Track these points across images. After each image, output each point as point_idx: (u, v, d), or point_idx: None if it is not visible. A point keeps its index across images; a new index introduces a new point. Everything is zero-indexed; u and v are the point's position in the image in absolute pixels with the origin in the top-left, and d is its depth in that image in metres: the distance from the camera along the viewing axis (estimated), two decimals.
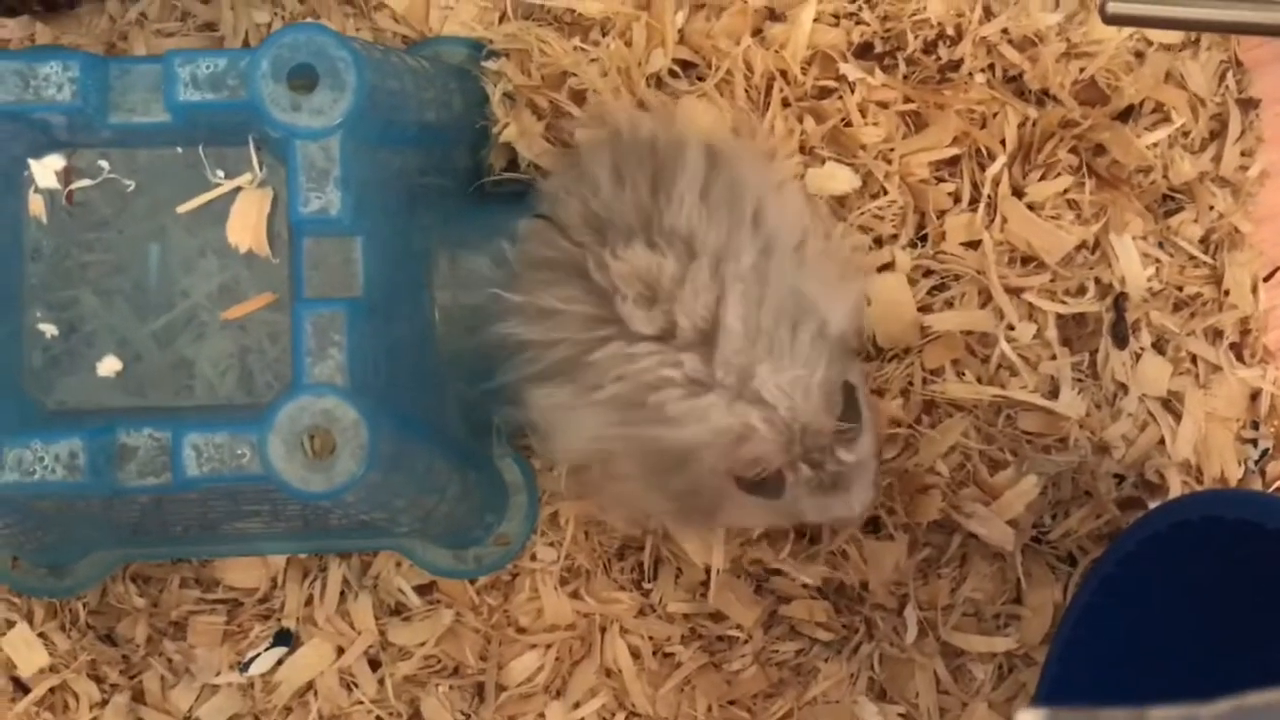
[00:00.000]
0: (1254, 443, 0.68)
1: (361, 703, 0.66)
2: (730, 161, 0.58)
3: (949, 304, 0.67)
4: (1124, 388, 0.67)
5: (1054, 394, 0.66)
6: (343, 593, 0.67)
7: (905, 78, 0.67)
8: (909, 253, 0.67)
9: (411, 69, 0.59)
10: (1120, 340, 0.67)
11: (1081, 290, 0.67)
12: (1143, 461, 0.67)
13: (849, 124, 0.66)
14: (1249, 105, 0.69)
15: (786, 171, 0.65)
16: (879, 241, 0.67)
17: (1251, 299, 0.68)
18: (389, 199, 0.57)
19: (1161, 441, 0.67)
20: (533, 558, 0.67)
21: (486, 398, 0.61)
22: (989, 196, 0.67)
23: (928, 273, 0.67)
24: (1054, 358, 0.67)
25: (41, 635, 0.66)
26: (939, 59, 0.67)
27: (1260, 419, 0.68)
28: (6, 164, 0.56)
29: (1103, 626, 0.61)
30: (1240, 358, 0.68)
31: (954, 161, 0.67)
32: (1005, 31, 0.67)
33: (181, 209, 0.56)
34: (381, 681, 0.67)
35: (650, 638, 0.67)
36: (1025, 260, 0.67)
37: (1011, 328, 0.66)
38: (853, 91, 0.66)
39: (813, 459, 0.54)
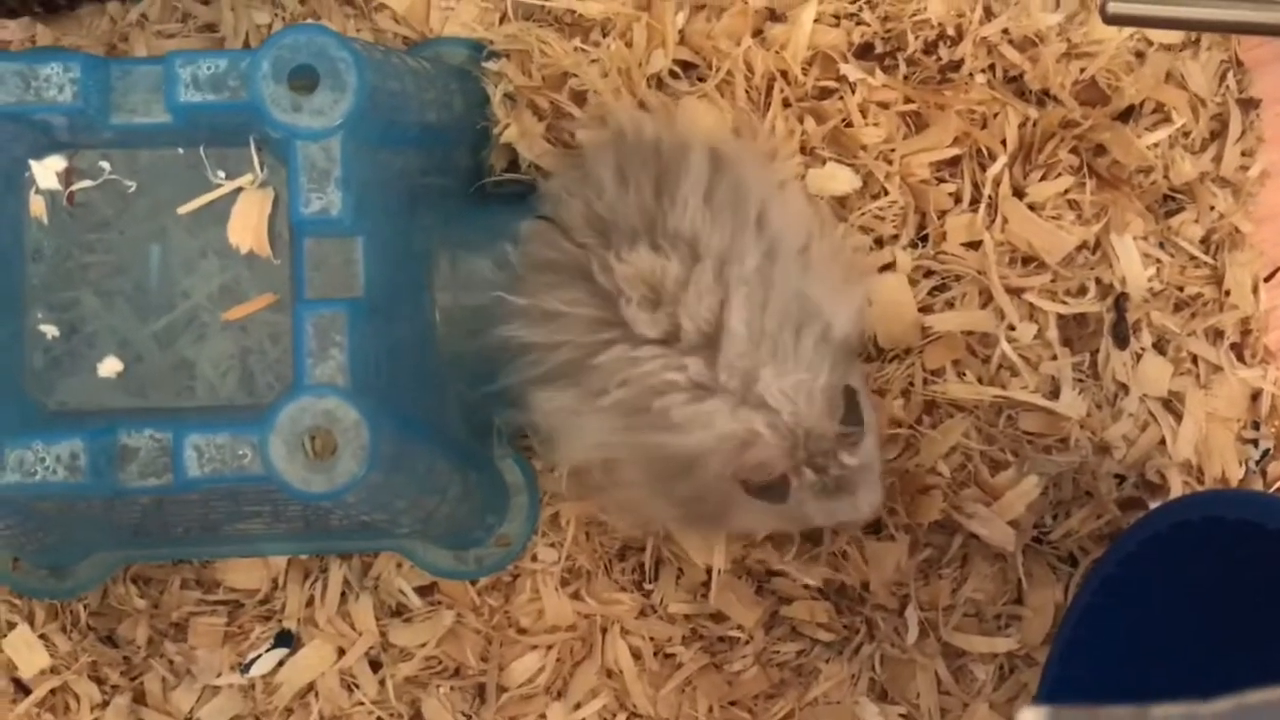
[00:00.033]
0: (1255, 443, 0.68)
1: (362, 704, 0.66)
2: (734, 164, 0.58)
3: (950, 304, 0.67)
4: (1125, 388, 0.67)
5: (1055, 394, 0.66)
6: (344, 594, 0.67)
7: (906, 78, 0.67)
8: (910, 253, 0.67)
9: (412, 70, 0.59)
10: (1121, 340, 0.67)
11: (1082, 290, 0.67)
12: (1144, 462, 0.67)
13: (850, 124, 0.66)
14: (1249, 105, 0.69)
15: (788, 172, 0.65)
16: (880, 242, 0.67)
17: (1252, 299, 0.68)
18: (390, 200, 0.57)
19: (1162, 442, 0.67)
20: (534, 559, 0.67)
21: (488, 399, 0.61)
22: (990, 197, 0.67)
23: (928, 273, 0.67)
24: (1055, 358, 0.67)
25: (42, 636, 0.66)
26: (939, 59, 0.67)
27: (1261, 419, 0.68)
28: (8, 165, 0.56)
29: (1104, 627, 0.61)
30: (1241, 358, 0.68)
31: (955, 162, 0.67)
32: (1006, 32, 0.67)
33: (182, 210, 0.56)
34: (382, 682, 0.67)
35: (651, 638, 0.67)
36: (1026, 260, 0.67)
37: (1012, 328, 0.66)
38: (853, 92, 0.66)
39: (817, 464, 0.55)
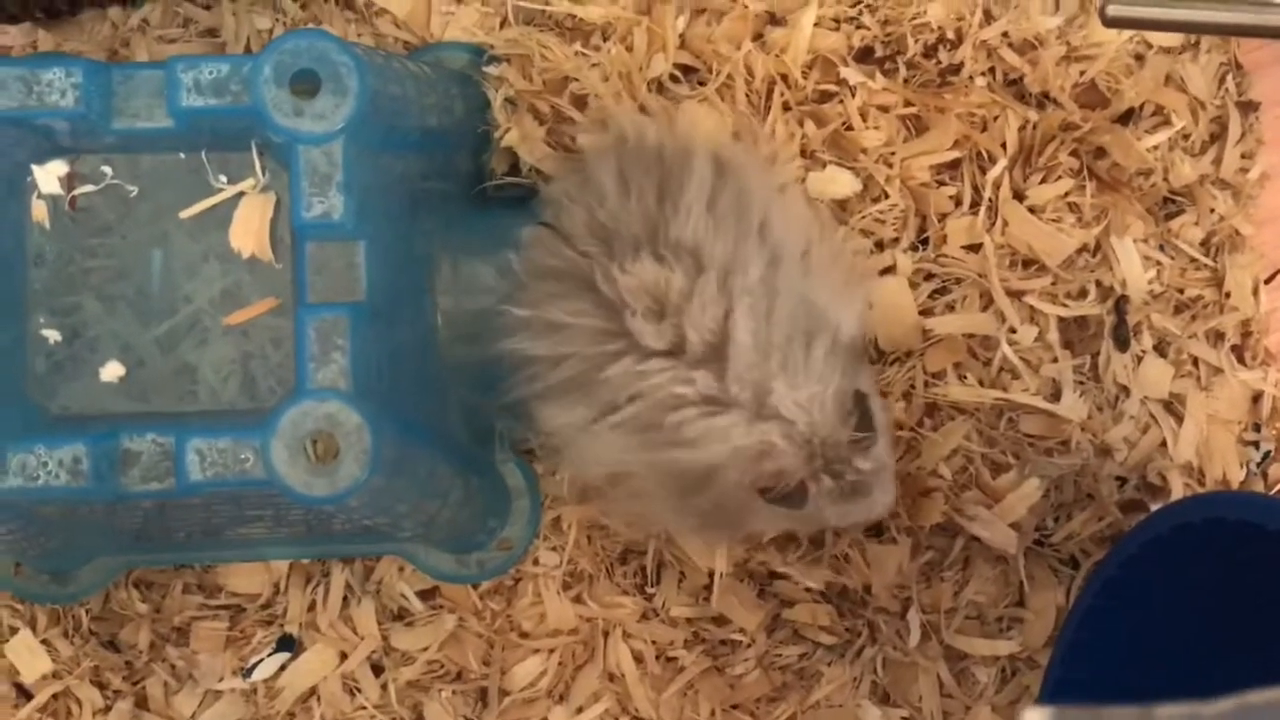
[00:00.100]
0: (1255, 445, 0.68)
1: (364, 708, 0.66)
2: (736, 170, 0.58)
3: (950, 307, 0.67)
4: (1125, 390, 0.67)
5: (1056, 397, 0.66)
6: (345, 598, 0.67)
7: (906, 81, 0.67)
8: (910, 256, 0.67)
9: (413, 74, 0.59)
10: (1122, 343, 0.67)
11: (1083, 293, 0.67)
12: (1144, 464, 0.67)
13: (850, 128, 0.66)
14: (1249, 108, 0.69)
15: (788, 176, 0.65)
16: (880, 245, 0.67)
17: (1253, 301, 0.68)
18: (391, 204, 0.57)
19: (1163, 444, 0.67)
20: (535, 562, 0.67)
21: (490, 404, 0.61)
22: (990, 200, 0.67)
23: (929, 276, 0.67)
24: (1055, 360, 0.67)
25: (44, 642, 0.66)
26: (939, 63, 0.67)
27: (1262, 421, 0.68)
28: (10, 170, 0.56)
29: (1105, 629, 0.61)
30: (1242, 360, 0.68)
31: (955, 165, 0.67)
32: (1005, 35, 0.67)
33: (184, 214, 0.56)
34: (384, 687, 0.67)
35: (653, 642, 0.67)
36: (1026, 263, 0.67)
37: (1013, 331, 0.66)
38: (853, 95, 0.66)
39: (834, 470, 0.55)
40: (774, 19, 0.67)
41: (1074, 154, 0.67)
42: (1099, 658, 0.61)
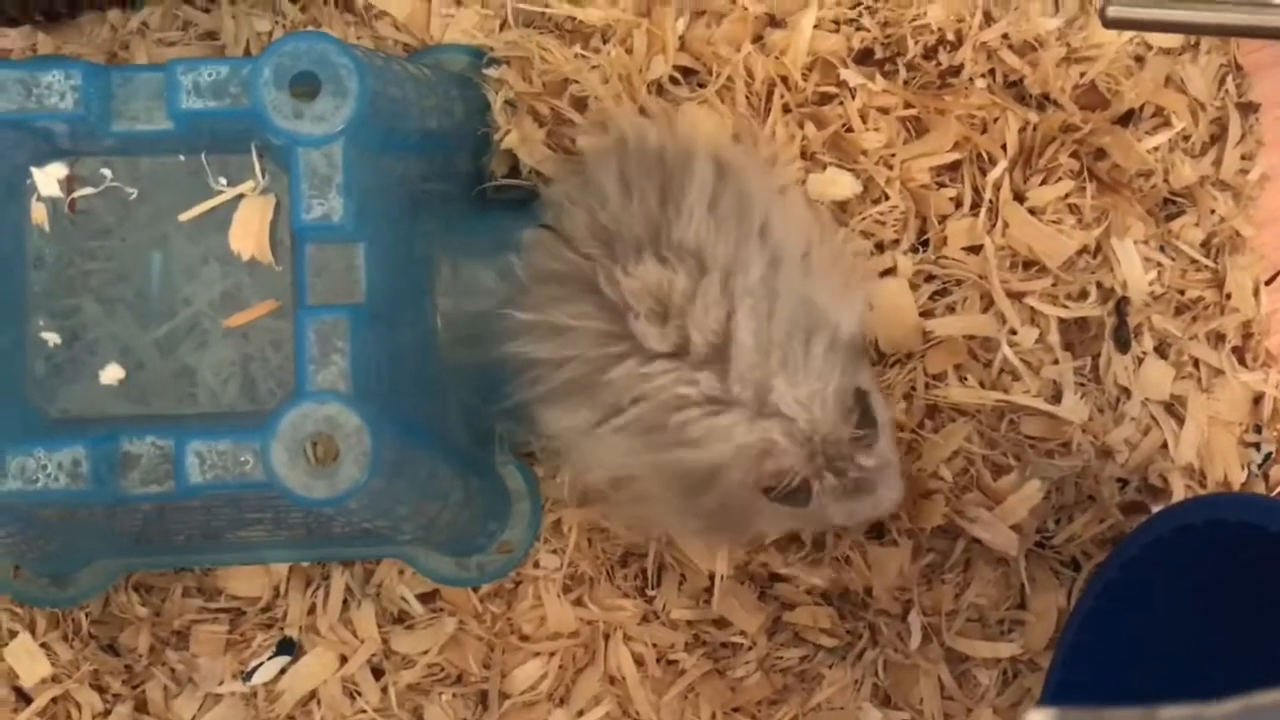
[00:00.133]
0: (1257, 446, 0.68)
1: (365, 711, 0.66)
2: (737, 172, 0.58)
3: (951, 309, 0.67)
4: (1126, 392, 0.67)
5: (1056, 398, 0.66)
6: (345, 601, 0.67)
7: (906, 83, 0.67)
8: (910, 258, 0.67)
9: (413, 76, 0.59)
10: (1122, 344, 0.67)
11: (1083, 294, 0.67)
12: (1146, 466, 0.67)
13: (850, 130, 0.66)
14: (1249, 109, 0.69)
15: (788, 178, 0.65)
16: (880, 247, 0.67)
17: (1253, 302, 0.68)
18: (391, 205, 0.57)
19: (1164, 445, 0.67)
20: (536, 565, 0.67)
21: (490, 407, 0.61)
22: (990, 201, 0.67)
23: (929, 278, 0.67)
24: (1056, 362, 0.67)
25: (44, 645, 0.66)
26: (939, 64, 0.67)
27: (1263, 423, 0.68)
28: (9, 172, 0.56)
29: (1107, 631, 0.61)
30: (1242, 361, 0.68)
31: (955, 166, 0.67)
32: (1005, 36, 0.67)
33: (184, 217, 0.56)
34: (385, 690, 0.66)
35: (654, 645, 0.67)
36: (1027, 265, 0.67)
37: (1014, 332, 0.66)
38: (853, 97, 0.66)
39: (836, 467, 0.55)
40: (774, 21, 0.67)
41: (1074, 155, 0.67)
42: (1100, 660, 0.61)
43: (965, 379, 0.66)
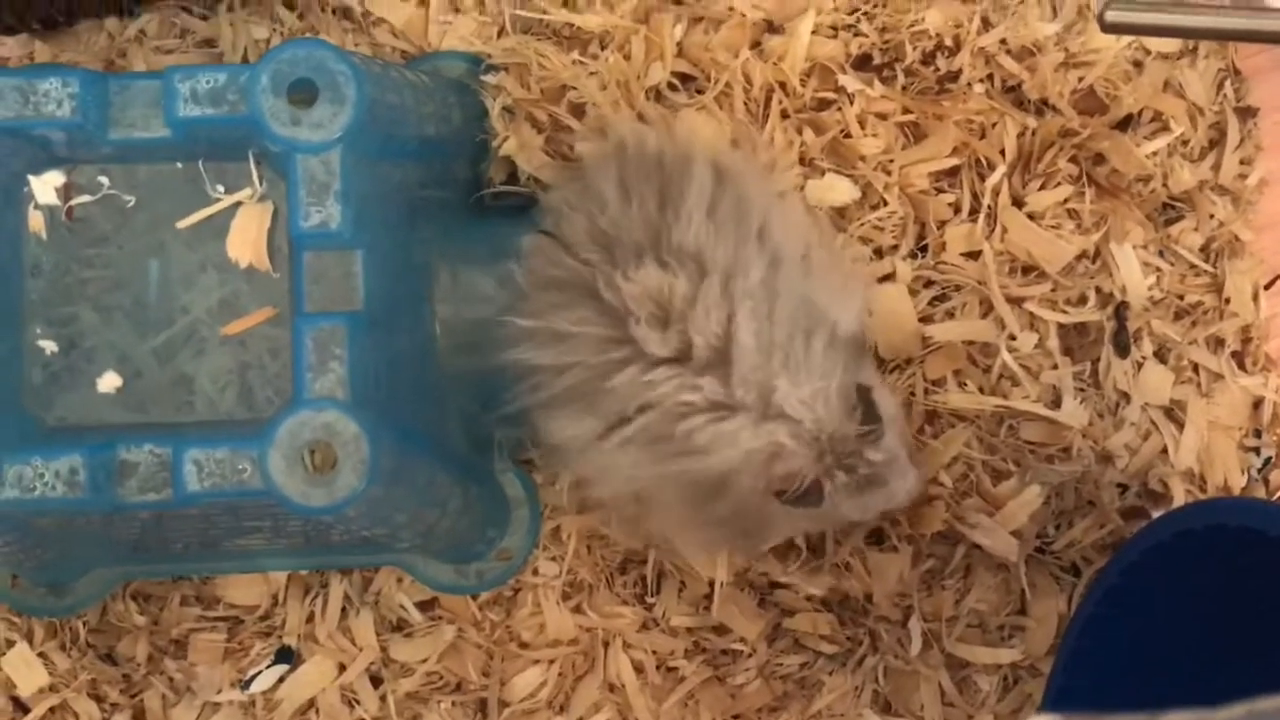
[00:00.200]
0: (1257, 451, 0.68)
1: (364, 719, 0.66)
2: (736, 176, 0.58)
3: (950, 314, 0.67)
4: (1126, 397, 0.67)
5: (1056, 404, 0.66)
6: (344, 609, 0.67)
7: (904, 89, 0.67)
8: (909, 263, 0.67)
9: (411, 83, 0.59)
10: (1122, 349, 0.67)
11: (1082, 299, 0.67)
12: (1146, 471, 0.67)
13: (848, 135, 0.66)
14: (1247, 113, 0.69)
15: (787, 183, 0.65)
16: (879, 252, 0.67)
17: (1252, 307, 0.68)
18: (389, 212, 0.57)
19: (1164, 450, 0.67)
20: (535, 572, 0.67)
21: (490, 414, 0.60)
22: (989, 206, 0.67)
23: (928, 283, 0.67)
24: (1056, 367, 0.67)
25: (41, 655, 0.66)
26: (937, 70, 0.67)
27: (1263, 427, 0.68)
28: (6, 180, 0.55)
29: (1107, 637, 0.60)
30: (1242, 366, 0.68)
31: (954, 172, 0.67)
32: (1003, 42, 0.67)
33: (181, 224, 0.56)
34: (383, 698, 0.66)
35: (654, 652, 0.66)
36: (1026, 270, 0.67)
37: (1013, 338, 0.66)
38: (852, 103, 0.66)
39: (846, 464, 0.55)
40: (772, 27, 0.67)
41: (1073, 160, 0.67)
42: (1101, 665, 0.61)
43: (965, 384, 0.66)
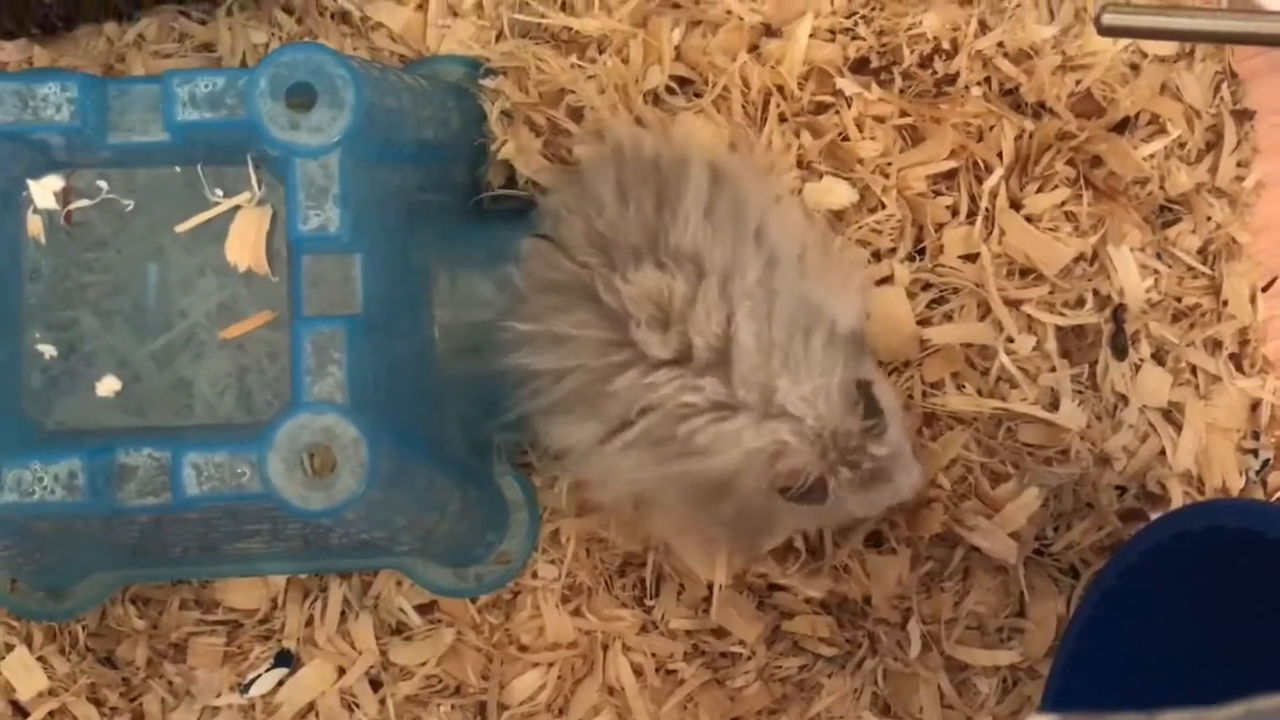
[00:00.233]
0: (1255, 453, 0.68)
1: None
2: (732, 178, 0.59)
3: (948, 317, 0.67)
4: (1124, 399, 0.67)
5: (1054, 406, 0.66)
6: (343, 613, 0.67)
7: (901, 92, 0.67)
8: (907, 266, 0.67)
9: (409, 87, 0.59)
10: (1120, 351, 0.67)
11: (1080, 302, 0.67)
12: (1144, 473, 0.67)
13: (846, 138, 0.66)
14: (1244, 116, 0.70)
15: (785, 186, 0.65)
16: (877, 255, 0.67)
17: (1250, 309, 0.68)
18: (388, 216, 0.57)
19: (1162, 452, 0.67)
20: (534, 575, 0.67)
21: (489, 418, 0.60)
22: (987, 209, 0.67)
23: (926, 286, 0.67)
24: (1053, 370, 0.67)
25: (40, 659, 0.66)
26: (935, 73, 0.67)
27: (1261, 429, 0.68)
28: (5, 184, 0.56)
29: (1106, 638, 0.60)
30: (1240, 368, 0.68)
31: (951, 175, 0.67)
32: (1001, 45, 0.67)
33: (180, 228, 0.56)
34: (383, 702, 0.66)
35: (653, 655, 0.66)
36: (1024, 272, 0.67)
37: (1011, 340, 0.66)
38: (849, 106, 0.66)
39: (850, 460, 0.55)
40: (769, 31, 0.67)
41: (1070, 163, 0.67)
42: (1100, 667, 0.61)
43: (963, 387, 0.66)
